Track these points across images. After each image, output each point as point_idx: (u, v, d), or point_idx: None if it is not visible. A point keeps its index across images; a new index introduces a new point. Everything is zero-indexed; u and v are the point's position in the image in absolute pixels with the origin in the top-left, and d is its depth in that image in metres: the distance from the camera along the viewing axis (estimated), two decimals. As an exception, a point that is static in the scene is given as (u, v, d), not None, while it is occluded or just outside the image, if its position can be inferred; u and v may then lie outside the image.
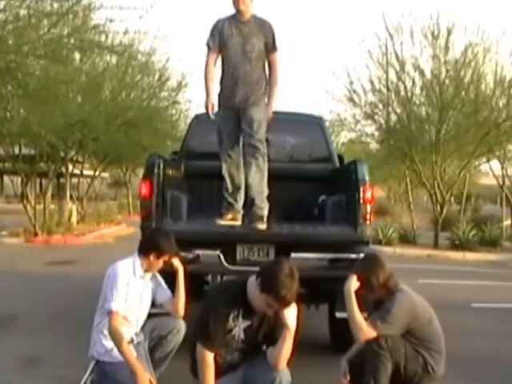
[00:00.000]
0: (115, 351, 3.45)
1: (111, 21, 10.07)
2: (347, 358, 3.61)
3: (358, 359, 3.52)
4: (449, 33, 13.57)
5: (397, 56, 14.07)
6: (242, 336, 3.14)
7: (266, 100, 4.83)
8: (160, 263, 3.62)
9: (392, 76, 14.33)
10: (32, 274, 8.81)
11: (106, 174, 26.39)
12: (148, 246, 3.61)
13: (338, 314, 4.33)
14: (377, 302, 3.53)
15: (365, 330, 3.38)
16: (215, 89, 4.82)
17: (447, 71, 13.67)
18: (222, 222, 4.66)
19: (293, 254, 4.20)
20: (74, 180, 22.65)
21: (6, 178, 35.22)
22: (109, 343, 3.49)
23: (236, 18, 4.71)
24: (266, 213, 4.71)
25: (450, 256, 13.11)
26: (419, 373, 3.46)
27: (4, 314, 6.06)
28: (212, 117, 4.78)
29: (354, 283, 3.46)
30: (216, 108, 4.80)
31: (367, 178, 4.52)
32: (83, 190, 21.08)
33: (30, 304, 6.62)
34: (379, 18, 14.04)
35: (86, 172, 21.79)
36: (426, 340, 3.48)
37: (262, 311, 3.08)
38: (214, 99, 4.80)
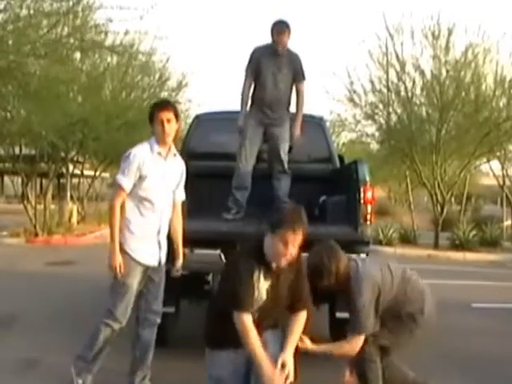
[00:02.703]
0: (129, 244, 3.60)
1: (111, 21, 10.11)
2: None
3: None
4: (449, 33, 13.59)
5: (397, 56, 14.07)
6: (264, 297, 3.08)
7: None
8: (166, 127, 3.56)
9: (392, 76, 14.33)
10: (32, 274, 8.81)
11: (106, 174, 26.30)
12: (148, 114, 3.66)
13: (339, 314, 4.33)
14: (339, 292, 3.52)
15: (349, 347, 3.38)
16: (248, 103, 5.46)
17: (447, 71, 13.67)
18: (230, 217, 5.07)
19: (293, 254, 4.19)
20: (75, 180, 22.61)
21: (6, 178, 35.17)
22: (129, 234, 3.61)
23: (273, 48, 5.29)
24: None
25: (451, 256, 13.12)
26: (412, 328, 3.44)
27: (4, 314, 6.06)
28: (241, 124, 5.34)
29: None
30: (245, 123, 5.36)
31: (368, 179, 4.53)
32: (84, 190, 21.07)
33: (30, 304, 6.62)
34: (380, 18, 14.07)
35: (86, 172, 21.75)
36: (404, 302, 3.43)
37: (281, 263, 3.03)
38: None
